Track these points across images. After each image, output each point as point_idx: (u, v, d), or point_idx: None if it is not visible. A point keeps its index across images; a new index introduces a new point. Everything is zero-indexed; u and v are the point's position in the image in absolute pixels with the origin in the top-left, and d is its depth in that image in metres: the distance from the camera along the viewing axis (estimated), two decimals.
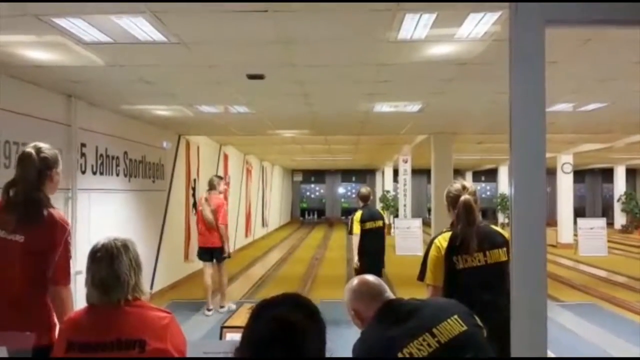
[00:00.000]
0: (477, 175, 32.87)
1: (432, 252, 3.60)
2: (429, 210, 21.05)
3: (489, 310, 2.97)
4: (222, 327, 5.46)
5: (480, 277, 3.51)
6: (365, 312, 2.47)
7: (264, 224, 23.48)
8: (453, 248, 3.54)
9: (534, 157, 1.64)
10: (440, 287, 3.54)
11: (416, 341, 2.26)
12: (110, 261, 2.49)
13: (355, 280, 2.60)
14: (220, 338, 5.34)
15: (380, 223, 8.11)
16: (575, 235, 16.87)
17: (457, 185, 3.72)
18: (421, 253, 14.00)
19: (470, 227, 3.55)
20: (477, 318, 2.46)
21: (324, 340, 1.70)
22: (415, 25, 4.23)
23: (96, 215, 7.73)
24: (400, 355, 2.24)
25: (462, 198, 3.60)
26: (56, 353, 2.46)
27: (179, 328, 2.55)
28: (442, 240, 3.59)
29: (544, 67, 1.68)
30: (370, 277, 2.59)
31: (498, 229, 3.77)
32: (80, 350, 2.39)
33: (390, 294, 2.50)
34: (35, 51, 5.18)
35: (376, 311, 2.43)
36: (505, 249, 3.56)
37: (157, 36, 4.57)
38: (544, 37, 1.66)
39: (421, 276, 3.63)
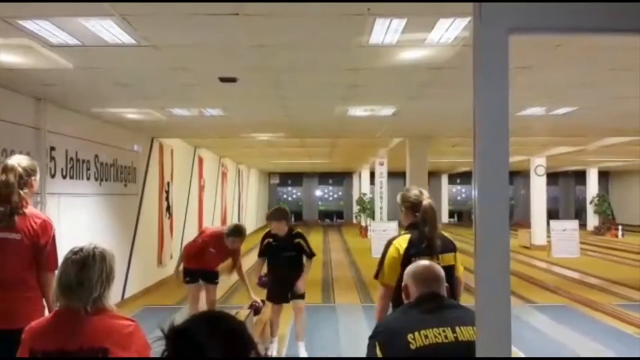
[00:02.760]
0: (453, 178, 33.18)
1: (391, 253, 3.70)
2: None
3: None
4: None
5: None
6: (411, 289, 2.68)
7: None
8: (415, 249, 3.66)
9: (497, 165, 1.64)
10: (393, 286, 3.62)
11: (436, 329, 2.43)
12: (80, 266, 2.45)
13: (421, 261, 2.86)
14: None
15: None
16: (549, 236, 17.09)
17: (415, 191, 3.86)
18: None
19: (435, 230, 3.72)
20: None
21: (233, 339, 1.63)
22: (386, 30, 4.24)
23: (66, 219, 7.60)
24: (410, 335, 2.40)
25: (427, 202, 3.74)
26: None
27: (143, 336, 2.52)
28: (402, 242, 3.70)
29: (507, 75, 1.68)
30: (432, 266, 2.79)
31: (447, 235, 3.93)
32: (42, 359, 2.35)
33: (440, 290, 2.67)
34: (1, 54, 5.08)
35: (417, 296, 2.63)
36: (454, 254, 3.80)
37: (127, 39, 4.50)
38: (508, 45, 1.67)
39: (377, 275, 3.78)
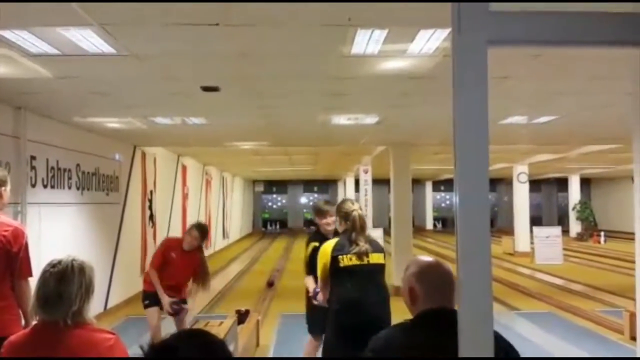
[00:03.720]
0: (437, 185, 33.32)
1: (320, 257, 4.34)
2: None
3: (362, 304, 4.10)
4: None
5: (360, 274, 4.21)
6: (419, 293, 2.18)
7: (224, 235, 23.26)
8: (340, 251, 4.24)
9: (477, 172, 1.64)
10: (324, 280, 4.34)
11: None
12: (59, 279, 2.41)
13: (427, 259, 2.32)
14: None
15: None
16: (532, 243, 17.20)
17: (349, 203, 4.50)
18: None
19: (362, 235, 4.27)
20: None
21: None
22: (368, 40, 4.26)
23: (47, 229, 7.51)
24: None
25: (356, 213, 4.33)
26: None
27: (124, 349, 2.51)
28: (330, 245, 4.31)
29: (486, 86, 1.69)
30: (443, 266, 2.28)
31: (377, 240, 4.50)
32: None
33: (452, 301, 2.15)
34: None
35: (424, 312, 2.14)
36: (383, 254, 4.33)
37: (107, 48, 4.47)
38: (487, 57, 1.68)
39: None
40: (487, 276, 1.55)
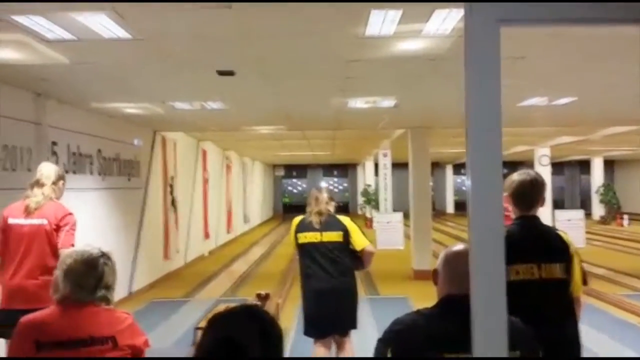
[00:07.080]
0: (457, 168, 33.03)
1: (290, 228, 5.03)
2: None
3: (316, 276, 4.81)
4: (196, 329, 5.45)
5: (314, 250, 4.83)
6: (441, 279, 2.24)
7: (245, 219, 23.41)
8: (301, 227, 4.91)
9: (490, 154, 1.63)
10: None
11: (462, 354, 1.98)
12: (88, 267, 2.54)
13: (461, 247, 2.25)
14: (194, 339, 5.33)
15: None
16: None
17: (315, 190, 5.10)
18: (402, 247, 13.82)
19: (317, 209, 4.85)
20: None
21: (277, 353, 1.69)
22: (382, 21, 4.23)
23: None
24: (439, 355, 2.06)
25: (314, 191, 4.97)
26: (21, 354, 2.46)
27: (138, 327, 2.66)
28: (296, 220, 4.99)
29: (499, 66, 1.67)
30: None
31: (341, 218, 4.96)
32: (52, 350, 2.42)
33: None
34: None
35: (446, 297, 2.18)
36: (341, 232, 4.81)
37: (122, 33, 4.50)
38: (499, 36, 1.66)
39: None
40: (501, 260, 1.53)
